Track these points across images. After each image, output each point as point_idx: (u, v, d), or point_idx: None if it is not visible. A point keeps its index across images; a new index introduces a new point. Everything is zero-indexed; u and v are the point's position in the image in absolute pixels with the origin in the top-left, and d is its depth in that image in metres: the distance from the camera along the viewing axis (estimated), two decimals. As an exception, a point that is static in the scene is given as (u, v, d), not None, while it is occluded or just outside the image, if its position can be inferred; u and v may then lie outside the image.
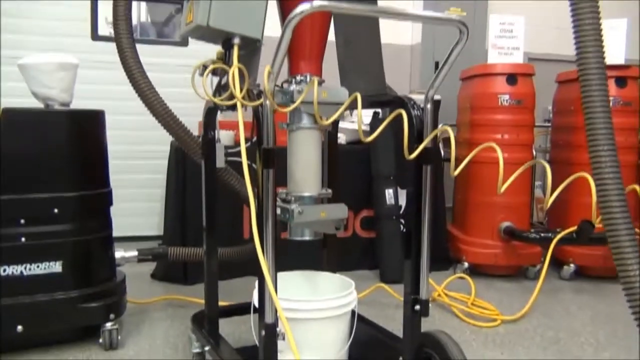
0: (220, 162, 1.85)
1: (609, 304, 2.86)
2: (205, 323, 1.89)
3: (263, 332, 1.38)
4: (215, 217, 1.88)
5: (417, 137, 1.53)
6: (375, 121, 3.34)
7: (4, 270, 2.00)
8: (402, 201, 3.40)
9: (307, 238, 1.72)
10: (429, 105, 1.54)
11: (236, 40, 1.50)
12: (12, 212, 2.00)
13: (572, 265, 3.27)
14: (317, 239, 1.75)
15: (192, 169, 2.99)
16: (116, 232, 2.30)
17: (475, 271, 3.28)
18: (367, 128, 3.37)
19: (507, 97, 3.17)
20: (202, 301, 2.03)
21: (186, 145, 2.04)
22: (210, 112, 1.82)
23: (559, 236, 2.91)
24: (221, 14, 1.46)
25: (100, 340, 2.13)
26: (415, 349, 1.64)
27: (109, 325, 2.13)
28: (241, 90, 1.43)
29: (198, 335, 1.86)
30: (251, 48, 1.57)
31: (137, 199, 3.95)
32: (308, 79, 1.63)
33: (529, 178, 3.33)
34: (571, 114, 3.34)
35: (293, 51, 1.63)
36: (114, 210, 2.29)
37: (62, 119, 2.09)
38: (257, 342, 1.49)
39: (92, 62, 3.58)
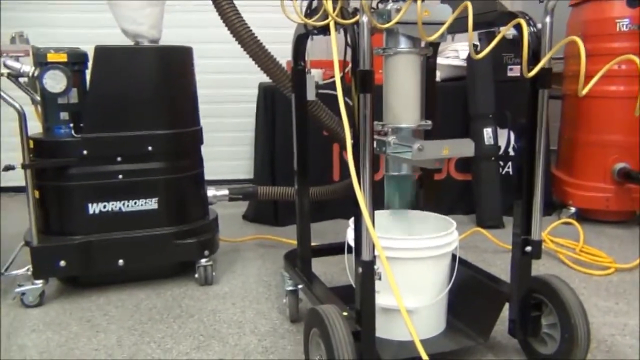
0: (311, 94, 1.75)
1: None
2: (298, 262, 1.84)
3: (360, 270, 1.30)
4: (307, 155, 1.80)
5: (533, 57, 1.34)
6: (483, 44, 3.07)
7: (104, 207, 2.05)
8: (502, 141, 3.18)
9: (404, 172, 1.60)
10: (548, 19, 1.34)
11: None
12: (109, 150, 2.03)
13: (695, 211, 2.93)
14: (415, 174, 1.63)
15: (282, 110, 2.93)
16: (207, 176, 2.30)
17: (583, 217, 3.02)
18: (464, 64, 3.13)
19: (627, 21, 2.80)
20: (294, 242, 1.99)
21: (275, 78, 1.95)
22: (301, 40, 1.71)
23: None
24: None
25: (196, 276, 2.16)
26: (523, 293, 1.51)
27: (203, 261, 2.15)
28: (334, 8, 1.31)
29: (291, 273, 1.82)
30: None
31: (227, 143, 3.98)
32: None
33: (648, 114, 2.97)
34: None
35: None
36: (204, 154, 2.28)
37: (153, 56, 2.07)
38: (352, 282, 1.42)
39: (177, 4, 3.55)
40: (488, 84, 3.04)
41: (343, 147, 2.07)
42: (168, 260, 2.16)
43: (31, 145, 2.01)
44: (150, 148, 2.06)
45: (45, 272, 2.01)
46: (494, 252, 2.57)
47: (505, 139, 3.20)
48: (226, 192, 2.35)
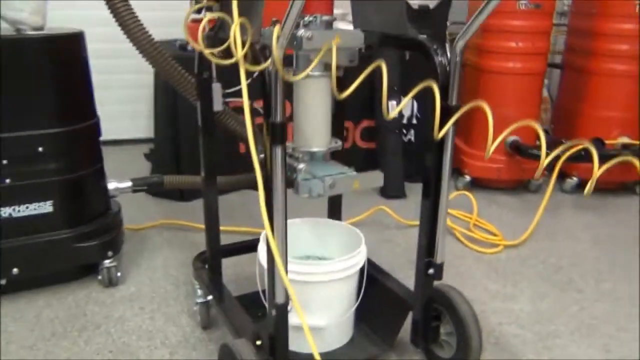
0: (217, 104, 1.67)
1: (611, 223, 2.85)
2: (208, 271, 1.83)
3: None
4: (215, 162, 1.74)
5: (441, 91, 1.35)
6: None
7: (-8, 213, 1.89)
8: (406, 111, 3.25)
9: (315, 195, 1.60)
10: (458, 53, 1.35)
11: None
12: (-7, 153, 1.85)
13: (575, 178, 3.21)
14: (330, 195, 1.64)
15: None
16: (105, 136, 2.17)
17: (477, 184, 3.22)
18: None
19: (525, 1, 2.89)
20: (201, 226, 1.96)
21: (179, 86, 1.83)
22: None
23: (566, 154, 2.81)
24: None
25: (99, 277, 2.09)
26: (424, 305, 1.61)
27: (107, 262, 2.08)
28: (242, 46, 1.23)
29: (201, 283, 1.81)
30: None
31: (124, 101, 3.75)
32: (318, 20, 1.41)
33: (539, 90, 3.14)
34: (591, 18, 3.09)
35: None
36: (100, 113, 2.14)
37: (38, 45, 1.86)
38: (260, 293, 1.45)
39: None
40: (393, 58, 3.06)
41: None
42: (67, 265, 2.06)
43: None
44: (40, 149, 1.90)
45: None
46: (397, 228, 2.69)
47: (409, 108, 3.27)
48: (129, 184, 2.24)
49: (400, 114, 3.17)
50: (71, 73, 1.97)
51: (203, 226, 1.83)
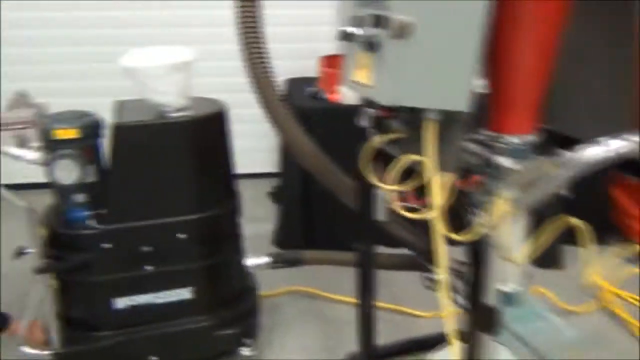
0: (380, 213, 1.44)
1: None
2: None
3: None
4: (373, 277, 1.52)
5: None
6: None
7: (132, 300, 1.81)
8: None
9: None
10: None
11: (432, 116, 1.01)
12: (135, 241, 1.75)
13: None
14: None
15: (320, 133, 2.59)
16: None
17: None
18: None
19: None
20: (339, 298, 1.83)
21: (333, 187, 1.60)
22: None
23: None
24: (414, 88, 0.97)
25: (237, 366, 1.96)
26: None
27: (246, 351, 1.94)
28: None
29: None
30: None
31: (248, 134, 3.64)
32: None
33: None
34: None
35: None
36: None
37: (181, 131, 1.73)
38: None
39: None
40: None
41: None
42: (205, 353, 1.95)
43: (45, 233, 1.74)
44: (181, 235, 1.78)
45: (71, 378, 1.81)
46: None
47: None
48: (267, 260, 2.09)
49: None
50: (214, 154, 1.83)
51: (341, 298, 1.61)
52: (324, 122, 2.55)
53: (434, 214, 1.04)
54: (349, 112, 2.54)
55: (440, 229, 1.05)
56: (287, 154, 2.95)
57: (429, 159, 1.03)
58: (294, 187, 2.72)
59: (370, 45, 0.98)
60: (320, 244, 2.71)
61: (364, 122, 1.26)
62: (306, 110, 2.56)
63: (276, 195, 3.29)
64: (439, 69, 0.97)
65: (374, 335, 1.60)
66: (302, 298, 2.44)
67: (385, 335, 1.86)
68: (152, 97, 1.70)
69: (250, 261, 2.06)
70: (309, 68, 2.97)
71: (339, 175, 1.55)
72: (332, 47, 3.31)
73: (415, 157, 1.07)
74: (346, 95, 2.55)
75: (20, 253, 1.87)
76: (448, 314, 1.10)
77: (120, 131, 1.66)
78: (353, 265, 2.15)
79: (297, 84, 2.94)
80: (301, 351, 2.08)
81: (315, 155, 1.50)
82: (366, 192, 1.42)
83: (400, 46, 0.94)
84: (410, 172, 1.14)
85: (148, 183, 1.73)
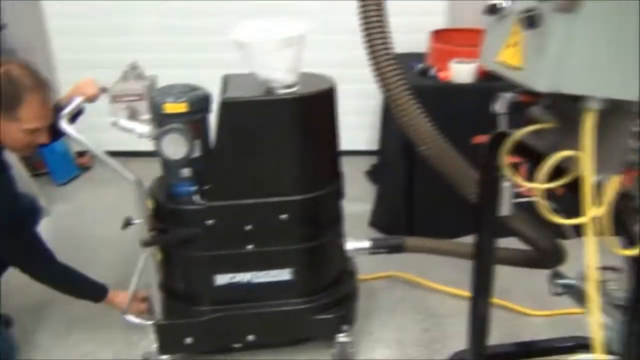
0: (505, 208, 1.30)
1: None
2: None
3: None
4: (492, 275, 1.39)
5: None
6: None
7: (233, 278, 1.79)
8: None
9: None
10: None
11: (594, 105, 0.86)
12: (238, 219, 1.72)
13: None
14: None
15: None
16: None
17: None
18: None
19: None
20: (440, 287, 1.84)
21: (454, 179, 1.47)
22: (499, 139, 1.22)
23: None
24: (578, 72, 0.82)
25: (332, 351, 1.91)
26: None
27: (342, 337, 1.88)
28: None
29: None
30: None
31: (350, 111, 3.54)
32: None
33: None
34: None
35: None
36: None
37: (289, 108, 1.65)
38: None
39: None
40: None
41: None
42: (303, 336, 1.91)
43: (151, 206, 1.75)
44: (284, 216, 1.72)
45: (171, 349, 1.83)
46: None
47: None
48: (368, 244, 1.99)
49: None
50: (321, 134, 1.75)
51: (440, 287, 1.78)
52: (433, 102, 2.39)
53: (587, 219, 0.90)
54: (461, 91, 2.42)
55: (591, 236, 0.90)
56: (390, 134, 2.83)
57: (586, 156, 0.88)
58: (396, 169, 2.61)
59: (529, 20, 0.83)
60: (418, 228, 2.59)
61: (500, 107, 1.12)
62: (414, 88, 2.41)
63: (374, 175, 3.20)
64: (611, 50, 0.81)
65: (487, 337, 1.47)
66: (398, 284, 2.34)
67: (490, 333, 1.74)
68: (261, 72, 1.63)
69: (350, 244, 1.98)
70: (417, 43, 2.80)
71: (461, 164, 1.42)
72: (442, 21, 3.15)
73: (569, 153, 0.92)
74: (459, 73, 2.37)
75: (127, 224, 1.90)
76: (595, 325, 0.95)
77: (228, 107, 1.62)
78: (463, 257, 2.03)
79: (404, 59, 2.78)
80: (396, 344, 1.99)
81: (437, 142, 1.37)
82: (492, 185, 1.28)
83: (565, 22, 0.80)
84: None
85: (253, 161, 1.69)
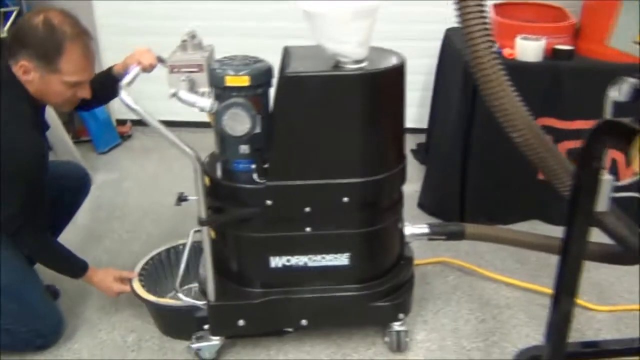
0: (603, 204, 1.20)
1: None
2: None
3: None
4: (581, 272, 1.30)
5: None
6: None
7: (288, 261, 1.72)
8: None
9: None
10: None
11: None
12: (298, 200, 1.64)
13: None
14: None
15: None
16: None
17: None
18: None
19: None
20: (496, 277, 1.80)
21: (547, 169, 1.36)
22: (607, 128, 1.11)
23: None
24: None
25: (386, 340, 1.84)
26: None
27: (397, 325, 1.81)
28: None
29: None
30: None
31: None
32: None
33: None
34: None
35: None
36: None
37: (356, 85, 1.55)
38: None
39: None
40: None
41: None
42: (357, 323, 1.85)
43: (207, 183, 1.68)
44: (346, 199, 1.64)
45: (223, 331, 1.78)
46: None
47: None
48: (426, 230, 1.91)
49: None
50: (388, 114, 1.64)
51: (497, 276, 1.78)
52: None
53: None
54: (528, 70, 2.28)
55: None
56: (443, 113, 2.71)
57: None
58: (450, 151, 2.49)
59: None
60: (469, 213, 2.50)
61: (621, 92, 1.01)
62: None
63: (420, 154, 3.09)
64: None
65: (568, 336, 1.38)
66: (449, 270, 2.26)
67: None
68: (330, 45, 1.53)
69: (408, 229, 1.89)
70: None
71: (556, 153, 1.31)
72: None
73: None
74: (526, 51, 2.24)
75: (181, 199, 1.84)
76: None
77: (292, 81, 1.52)
78: (528, 248, 1.93)
79: (460, 34, 2.64)
80: (452, 334, 1.92)
81: (532, 128, 1.27)
82: (591, 177, 1.17)
83: None
84: None
85: (316, 140, 1.60)
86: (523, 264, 2.27)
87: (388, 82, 1.60)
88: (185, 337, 1.83)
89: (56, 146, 2.89)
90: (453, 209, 2.51)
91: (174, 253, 2.10)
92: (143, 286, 1.90)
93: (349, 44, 1.51)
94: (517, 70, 2.27)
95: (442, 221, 2.46)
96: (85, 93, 1.71)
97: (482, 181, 2.47)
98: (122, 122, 3.44)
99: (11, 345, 1.79)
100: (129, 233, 2.50)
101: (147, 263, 2.02)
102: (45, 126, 1.85)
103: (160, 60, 1.77)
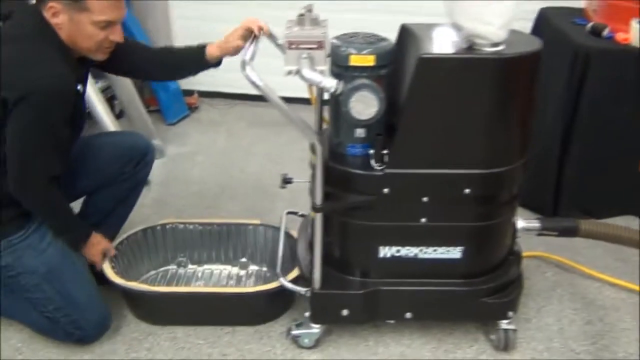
0: None
1: None
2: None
3: None
4: None
5: None
6: None
7: (398, 251, 1.64)
8: None
9: None
10: None
11: None
12: (416, 190, 1.55)
13: None
14: None
15: (596, 81, 2.16)
16: None
17: None
18: None
19: None
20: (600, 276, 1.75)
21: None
22: None
23: None
24: None
25: (492, 337, 1.76)
26: None
27: (505, 324, 1.73)
28: None
29: None
30: None
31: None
32: None
33: None
34: None
35: None
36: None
37: (495, 71, 1.44)
38: None
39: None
40: None
41: None
42: (464, 319, 1.77)
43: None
44: (467, 190, 1.54)
45: (325, 319, 1.72)
46: None
47: None
48: (538, 225, 1.80)
49: None
50: (521, 103, 1.53)
51: (599, 275, 1.79)
52: (610, 68, 2.13)
53: None
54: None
55: None
56: (542, 100, 2.56)
57: None
58: (548, 143, 2.34)
59: None
60: (565, 205, 2.38)
61: None
62: (586, 50, 2.14)
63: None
64: None
65: None
66: (547, 266, 2.16)
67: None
68: (469, 25, 1.42)
69: (520, 224, 1.79)
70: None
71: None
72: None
73: None
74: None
75: (286, 181, 1.77)
76: None
77: (426, 63, 1.42)
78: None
79: (564, 15, 2.49)
80: (558, 334, 1.82)
81: None
82: None
83: None
84: None
85: (442, 127, 1.50)
86: (624, 262, 2.15)
87: (526, 68, 1.48)
88: (161, 323, 1.81)
89: (132, 115, 2.84)
90: (546, 201, 2.38)
91: (151, 233, 2.01)
92: (113, 267, 1.80)
93: (491, 25, 1.40)
94: (634, 57, 2.15)
95: (539, 215, 2.34)
96: (117, 36, 1.57)
97: (580, 174, 2.34)
98: (189, 93, 3.38)
99: (52, 332, 1.73)
100: (209, 209, 2.45)
101: (120, 243, 1.92)
102: (87, 83, 1.74)
103: (270, 35, 1.68)
